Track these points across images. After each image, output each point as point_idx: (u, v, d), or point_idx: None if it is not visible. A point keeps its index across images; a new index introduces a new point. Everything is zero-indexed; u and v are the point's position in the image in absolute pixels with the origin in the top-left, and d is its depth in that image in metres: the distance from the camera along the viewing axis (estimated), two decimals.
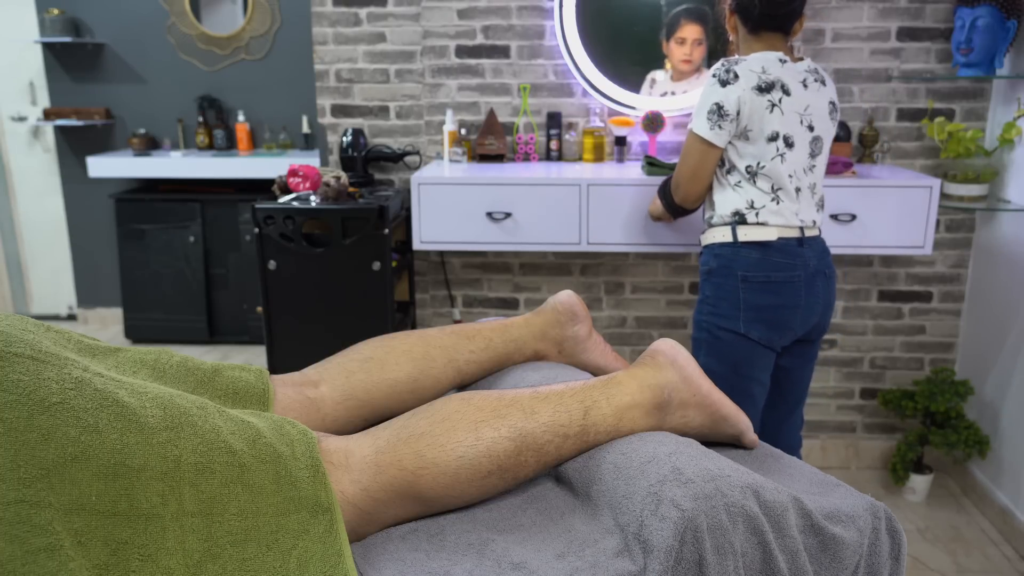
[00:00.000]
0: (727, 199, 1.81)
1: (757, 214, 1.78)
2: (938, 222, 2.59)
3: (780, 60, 1.76)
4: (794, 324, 1.82)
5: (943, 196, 2.41)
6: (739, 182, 1.79)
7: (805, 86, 1.78)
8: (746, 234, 1.79)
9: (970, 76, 2.34)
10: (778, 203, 1.77)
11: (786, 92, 1.74)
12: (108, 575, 0.69)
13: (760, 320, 1.80)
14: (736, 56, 1.79)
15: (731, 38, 1.89)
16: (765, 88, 1.73)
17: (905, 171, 2.43)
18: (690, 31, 2.51)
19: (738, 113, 1.73)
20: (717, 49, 2.55)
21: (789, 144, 1.76)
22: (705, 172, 1.81)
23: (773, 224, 1.78)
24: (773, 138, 1.75)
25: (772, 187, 1.77)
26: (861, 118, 2.55)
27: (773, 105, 1.73)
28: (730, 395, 1.82)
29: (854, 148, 2.56)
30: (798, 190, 1.79)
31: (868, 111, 2.53)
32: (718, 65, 1.77)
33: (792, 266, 1.78)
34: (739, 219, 1.79)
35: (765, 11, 1.76)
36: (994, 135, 2.46)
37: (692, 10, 2.50)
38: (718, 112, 1.74)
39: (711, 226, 1.86)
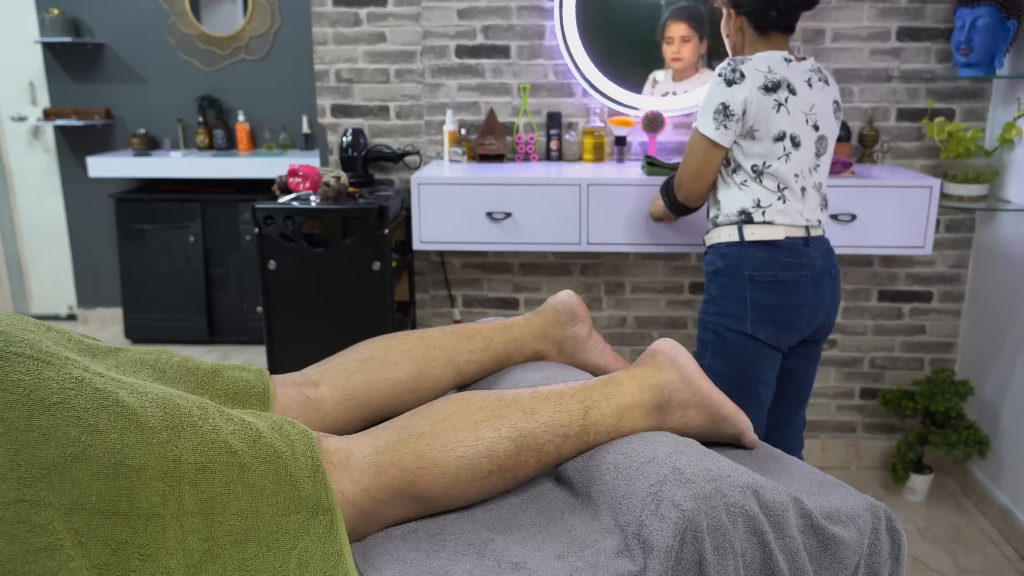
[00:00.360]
0: (733, 198, 1.80)
1: (764, 213, 1.77)
2: (938, 222, 2.59)
3: (785, 59, 1.76)
4: (801, 324, 1.81)
5: (943, 196, 2.41)
6: (745, 181, 1.79)
7: (810, 85, 1.77)
8: (753, 233, 1.78)
9: (970, 76, 2.34)
10: (784, 202, 1.77)
11: (792, 91, 1.74)
12: (108, 575, 0.69)
13: (767, 320, 1.79)
14: (742, 56, 1.79)
15: (729, 38, 1.88)
16: (771, 87, 1.72)
17: (905, 171, 2.43)
18: (675, 30, 2.52)
19: (744, 113, 1.72)
20: (718, 49, 2.55)
21: (796, 144, 1.76)
22: (709, 171, 1.81)
23: (780, 223, 1.77)
24: (780, 138, 1.74)
25: (778, 186, 1.77)
26: (861, 118, 2.55)
27: (779, 105, 1.73)
28: (737, 396, 1.79)
29: (854, 148, 2.56)
30: (803, 190, 1.78)
31: (868, 111, 2.53)
32: (724, 64, 1.75)
33: (799, 265, 1.78)
34: (745, 218, 1.79)
35: (783, 11, 1.75)
36: (994, 135, 2.46)
37: (677, 9, 2.51)
38: (723, 112, 1.73)
39: (716, 225, 1.85)
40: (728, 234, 1.81)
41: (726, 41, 1.89)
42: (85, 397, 0.72)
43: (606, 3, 2.54)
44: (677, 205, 1.94)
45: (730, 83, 1.72)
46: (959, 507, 2.54)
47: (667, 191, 1.97)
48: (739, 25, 1.83)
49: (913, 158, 2.58)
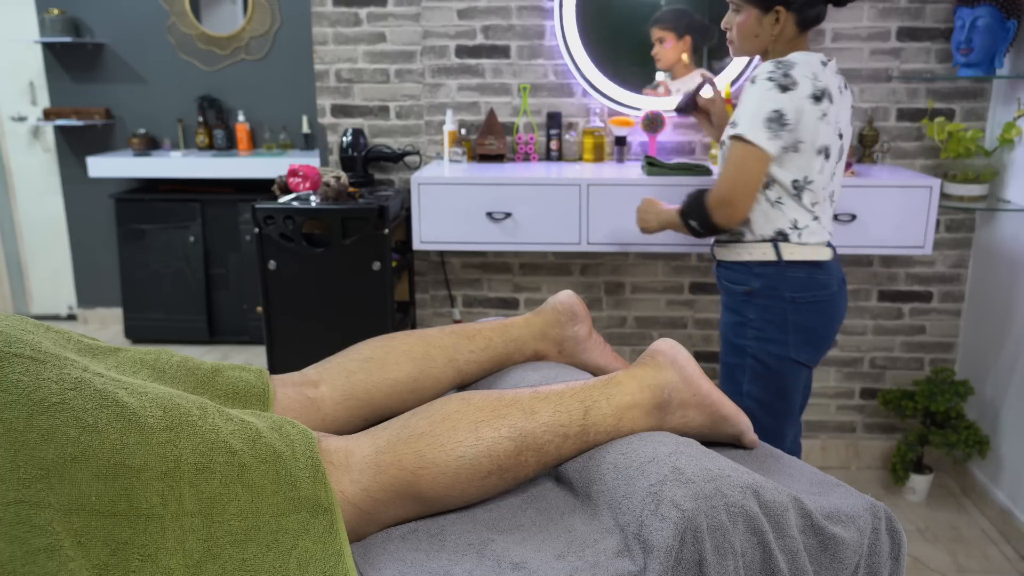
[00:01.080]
0: (766, 217, 1.68)
1: (800, 234, 1.67)
2: (938, 222, 2.59)
3: (823, 63, 1.62)
4: (833, 339, 1.75)
5: (943, 196, 2.41)
6: (780, 198, 1.66)
7: (840, 92, 1.67)
8: (792, 253, 1.66)
9: (970, 76, 2.34)
10: (818, 220, 1.68)
11: (831, 100, 1.62)
12: (108, 575, 0.69)
13: (808, 342, 1.70)
14: (782, 58, 1.62)
15: (759, 38, 1.68)
16: (818, 97, 1.58)
17: (905, 171, 2.43)
18: (652, 35, 2.56)
19: (796, 123, 1.58)
20: (718, 49, 2.55)
21: (827, 156, 1.65)
22: (759, 186, 1.64)
23: (815, 242, 1.67)
24: (820, 151, 1.63)
25: (812, 202, 1.67)
26: (861, 118, 2.55)
27: (824, 115, 1.60)
28: (775, 420, 1.72)
29: (854, 148, 2.56)
30: (824, 200, 1.71)
31: (868, 111, 2.53)
32: (769, 67, 1.59)
33: (830, 282, 1.69)
34: (782, 237, 1.67)
35: (838, 2, 1.64)
36: (994, 135, 2.46)
37: (657, 16, 2.55)
38: (779, 120, 1.56)
39: (742, 241, 1.72)
40: (762, 252, 1.68)
41: (751, 41, 1.69)
42: (84, 397, 0.72)
43: (606, 3, 2.54)
44: (712, 228, 1.70)
45: (784, 89, 1.56)
46: (959, 507, 2.54)
47: (697, 213, 1.71)
48: (783, 22, 1.64)
49: (913, 158, 2.58)
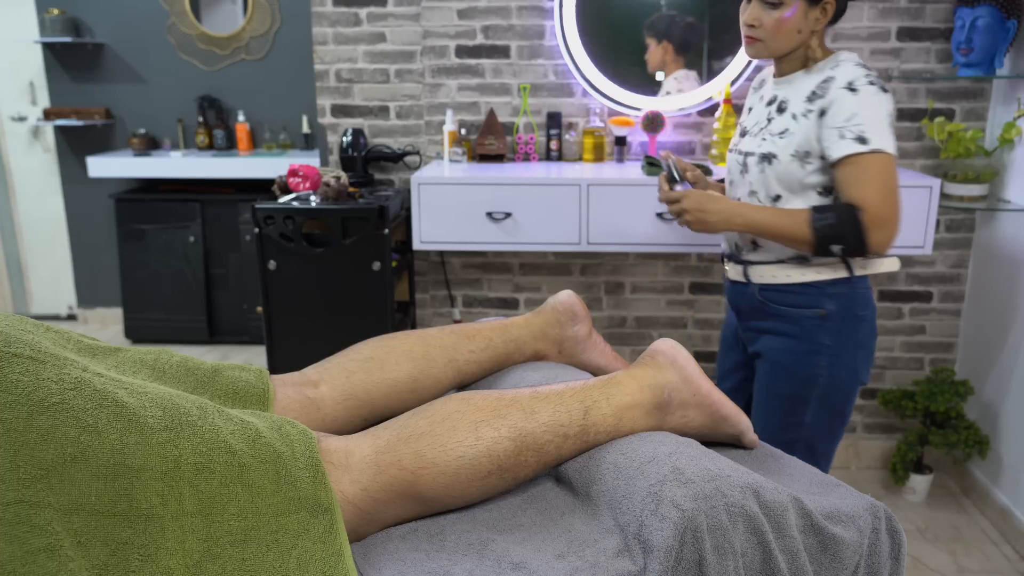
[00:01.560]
0: None
1: None
2: (938, 222, 2.59)
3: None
4: None
5: (943, 196, 2.41)
6: None
7: None
8: (863, 267, 1.54)
9: (970, 76, 2.34)
10: None
11: None
12: (108, 575, 0.68)
13: (867, 360, 1.59)
14: (859, 61, 1.51)
15: (800, 34, 1.51)
16: None
17: (905, 171, 2.43)
18: (644, 37, 2.61)
19: None
20: (718, 49, 2.56)
21: None
22: None
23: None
24: None
25: None
26: None
27: None
28: (829, 445, 1.62)
29: None
30: None
31: None
32: (862, 71, 1.47)
33: (872, 295, 1.60)
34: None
35: None
36: (994, 135, 2.46)
37: (646, 23, 2.59)
38: (892, 124, 1.46)
39: (808, 261, 1.56)
40: (833, 270, 1.54)
41: (792, 37, 1.51)
42: (84, 397, 0.72)
43: (606, 3, 2.54)
44: (861, 252, 1.47)
45: (884, 91, 1.46)
46: (959, 507, 2.54)
47: (852, 235, 1.45)
48: (828, 14, 1.52)
49: (913, 158, 2.58)
